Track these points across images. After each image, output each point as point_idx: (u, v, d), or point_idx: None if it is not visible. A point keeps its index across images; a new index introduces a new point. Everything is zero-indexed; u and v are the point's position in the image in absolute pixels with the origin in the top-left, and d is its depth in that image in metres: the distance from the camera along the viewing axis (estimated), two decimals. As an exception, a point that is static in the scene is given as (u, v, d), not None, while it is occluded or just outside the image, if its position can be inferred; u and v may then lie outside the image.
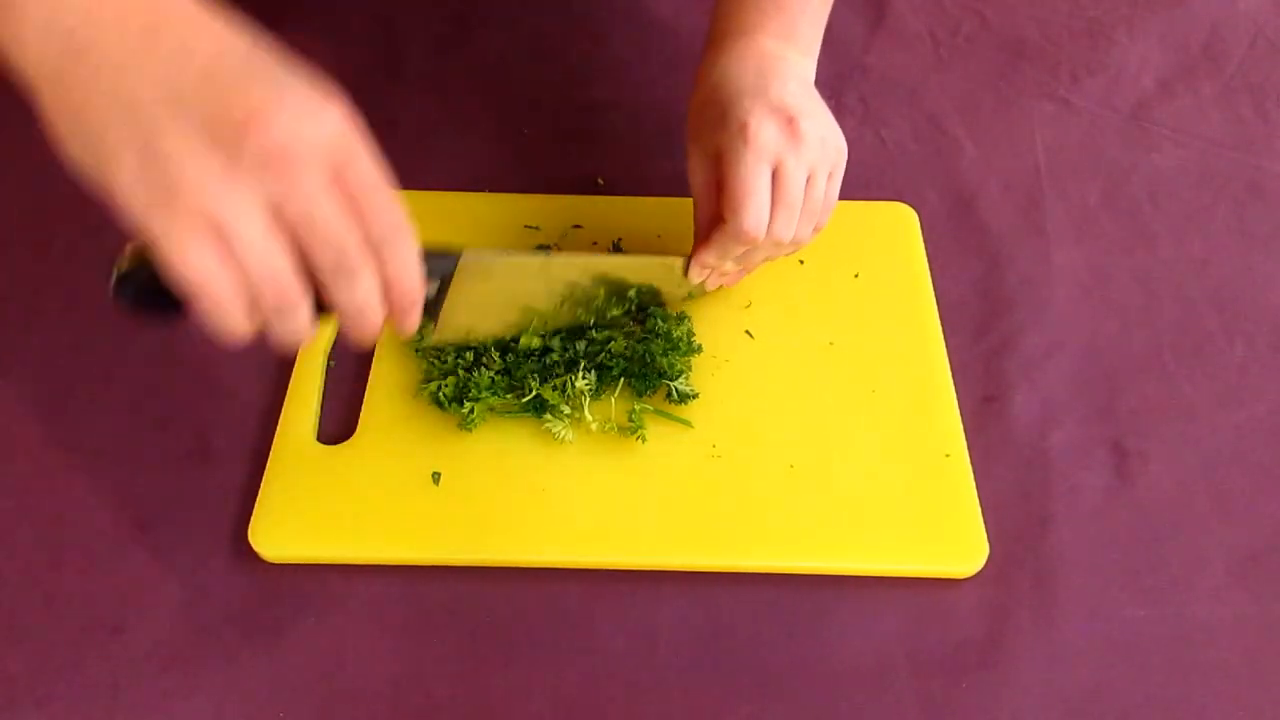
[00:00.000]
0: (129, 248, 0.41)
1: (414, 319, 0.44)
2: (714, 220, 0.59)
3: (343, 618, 0.54)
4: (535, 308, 0.59)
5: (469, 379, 0.59)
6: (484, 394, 0.59)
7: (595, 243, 0.69)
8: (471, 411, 0.59)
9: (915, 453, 0.60)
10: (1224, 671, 0.53)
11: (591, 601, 0.55)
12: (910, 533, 0.56)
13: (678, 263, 0.61)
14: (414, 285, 0.42)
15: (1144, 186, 0.77)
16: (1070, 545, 0.57)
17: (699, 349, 0.63)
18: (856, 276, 0.69)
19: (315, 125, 0.37)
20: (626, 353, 0.61)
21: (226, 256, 0.37)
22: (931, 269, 0.69)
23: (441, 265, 0.51)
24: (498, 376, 0.60)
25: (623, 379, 0.61)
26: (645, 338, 0.62)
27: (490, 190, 0.73)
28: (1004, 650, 0.53)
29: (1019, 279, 0.70)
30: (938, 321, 0.66)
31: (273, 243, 0.37)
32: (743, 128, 0.55)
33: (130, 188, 0.36)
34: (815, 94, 0.60)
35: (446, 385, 0.60)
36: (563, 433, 0.58)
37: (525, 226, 0.70)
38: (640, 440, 0.59)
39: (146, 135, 0.36)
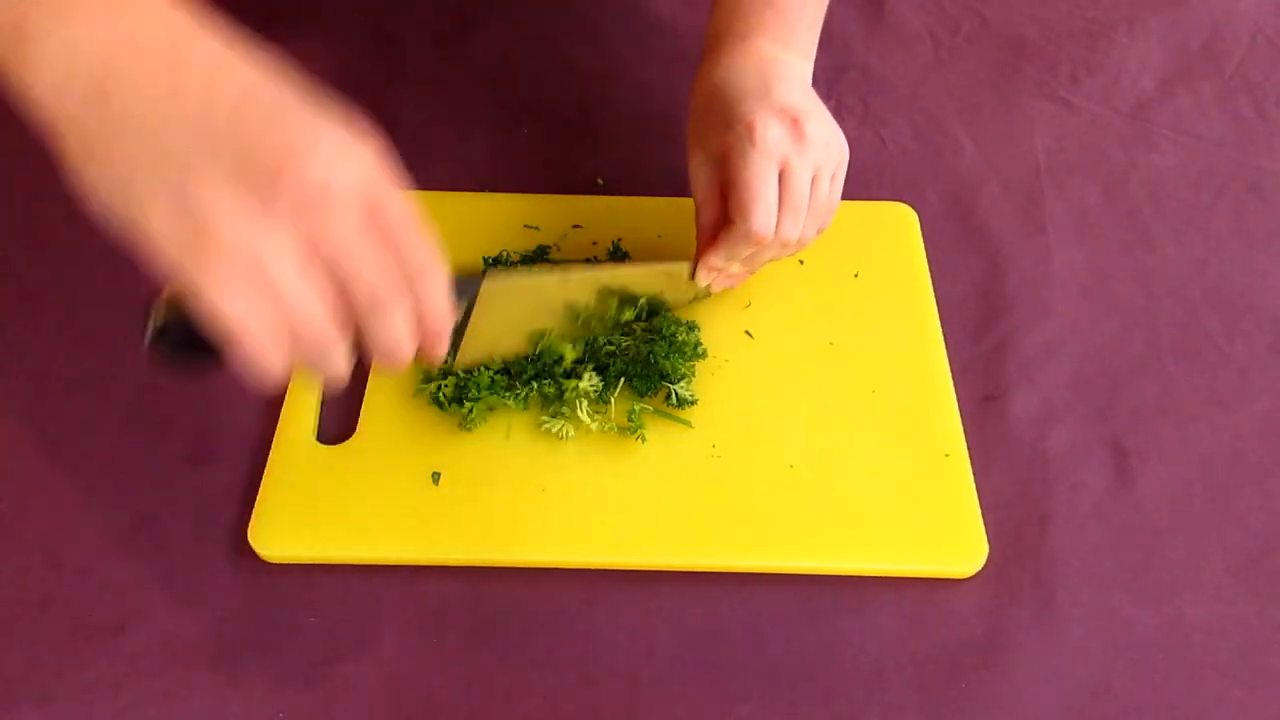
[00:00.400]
0: (163, 297, 0.40)
1: (444, 348, 0.44)
2: (718, 223, 0.59)
3: (343, 618, 0.54)
4: (552, 324, 0.59)
5: (468, 379, 0.59)
6: (483, 394, 0.59)
7: (595, 242, 0.69)
8: (471, 411, 0.59)
9: (915, 453, 0.60)
10: (1224, 671, 0.53)
11: (591, 601, 0.55)
12: (910, 533, 0.56)
13: (684, 267, 0.62)
14: (445, 318, 0.42)
15: (1144, 186, 0.77)
16: (1070, 545, 0.57)
17: (704, 354, 0.63)
18: (856, 276, 0.69)
19: (349, 165, 0.37)
20: (629, 352, 0.61)
21: (264, 299, 0.36)
22: (931, 269, 0.69)
23: (466, 290, 0.51)
24: (497, 376, 0.60)
25: (622, 380, 0.61)
26: (650, 339, 0.62)
27: (490, 190, 0.73)
28: (1004, 650, 0.53)
29: (1019, 279, 0.70)
30: (938, 321, 0.66)
31: (309, 283, 0.37)
32: (749, 129, 0.55)
33: (164, 235, 0.35)
34: (815, 96, 0.60)
35: (446, 385, 0.60)
36: (563, 432, 0.59)
37: (525, 226, 0.70)
38: (640, 440, 0.59)
39: (178, 181, 0.35)
